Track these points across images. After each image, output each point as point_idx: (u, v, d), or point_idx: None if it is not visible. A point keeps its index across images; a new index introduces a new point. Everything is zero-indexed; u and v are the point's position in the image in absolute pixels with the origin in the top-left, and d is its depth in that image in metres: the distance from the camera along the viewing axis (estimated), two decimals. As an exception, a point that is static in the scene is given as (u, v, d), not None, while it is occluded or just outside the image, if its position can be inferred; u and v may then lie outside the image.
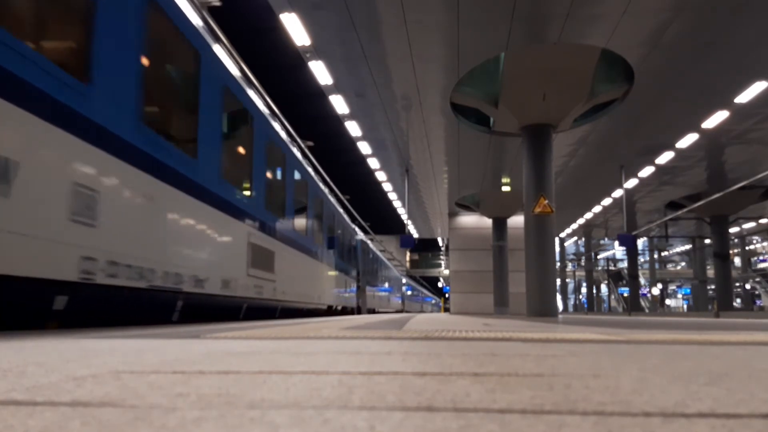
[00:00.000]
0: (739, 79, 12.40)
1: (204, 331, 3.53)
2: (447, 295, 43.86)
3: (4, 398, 1.00)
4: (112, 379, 1.23)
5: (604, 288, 63.23)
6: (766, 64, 11.68)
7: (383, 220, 37.59)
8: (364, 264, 22.68)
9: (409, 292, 53.86)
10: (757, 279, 55.23)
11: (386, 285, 32.94)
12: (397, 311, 38.56)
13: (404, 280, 49.51)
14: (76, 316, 4.43)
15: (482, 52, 11.32)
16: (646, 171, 19.84)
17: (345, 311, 17.98)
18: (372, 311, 25.13)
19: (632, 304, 36.91)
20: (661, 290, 57.25)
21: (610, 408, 0.92)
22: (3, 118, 3.29)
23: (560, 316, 15.10)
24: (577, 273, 56.03)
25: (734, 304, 30.80)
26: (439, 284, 76.46)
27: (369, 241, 26.00)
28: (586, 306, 54.64)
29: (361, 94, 13.49)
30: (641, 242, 48.17)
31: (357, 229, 22.63)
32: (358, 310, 21.03)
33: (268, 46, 19.42)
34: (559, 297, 36.24)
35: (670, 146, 17.01)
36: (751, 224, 37.80)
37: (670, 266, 67.81)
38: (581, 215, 30.17)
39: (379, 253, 30.72)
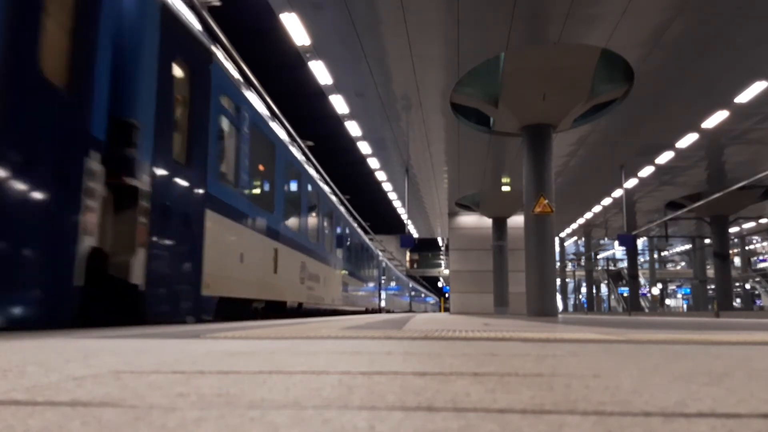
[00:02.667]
0: (739, 79, 12.40)
1: (204, 331, 3.53)
2: (447, 295, 43.73)
3: (4, 398, 1.00)
4: (112, 379, 1.23)
5: (604, 288, 63.24)
6: (766, 64, 11.68)
7: (383, 220, 37.60)
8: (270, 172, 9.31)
9: (389, 283, 34.98)
10: (757, 279, 55.21)
11: (338, 252, 16.33)
12: (371, 311, 23.89)
13: (382, 258, 30.99)
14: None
15: (482, 52, 11.32)
16: (646, 171, 19.84)
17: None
18: (296, 310, 10.95)
19: (632, 304, 36.89)
20: (661, 290, 57.26)
21: (610, 408, 0.92)
22: None
23: (560, 315, 15.10)
24: (577, 273, 56.02)
25: (734, 304, 30.79)
26: (439, 284, 76.50)
27: (289, 140, 11.15)
28: (586, 306, 54.65)
29: (361, 93, 13.50)
30: (641, 242, 48.17)
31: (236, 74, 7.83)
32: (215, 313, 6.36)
33: (268, 46, 19.41)
34: (559, 297, 36.20)
35: (670, 146, 17.01)
36: (751, 224, 37.80)
37: (670, 266, 67.81)
38: (581, 215, 30.17)
39: (324, 182, 16.20)
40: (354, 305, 19.22)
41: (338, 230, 16.53)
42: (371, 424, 0.80)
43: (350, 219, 19.97)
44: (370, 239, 28.62)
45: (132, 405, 0.93)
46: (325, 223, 14.41)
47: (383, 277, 30.66)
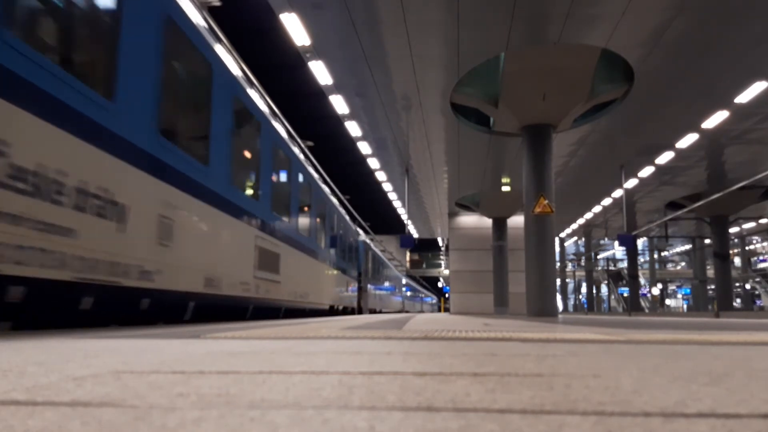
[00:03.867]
0: (739, 79, 12.40)
1: (204, 331, 3.53)
2: (447, 295, 43.66)
3: (4, 398, 1.00)
4: (112, 379, 1.23)
5: (604, 288, 63.25)
6: (766, 64, 11.69)
7: (383, 220, 37.62)
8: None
9: (376, 273, 26.91)
10: (757, 279, 55.23)
11: (280, 207, 9.80)
12: (344, 310, 17.91)
13: (365, 239, 24.38)
14: None
15: (482, 52, 11.32)
16: (646, 171, 19.84)
17: None
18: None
19: (632, 304, 36.89)
20: (661, 290, 57.28)
21: (610, 408, 0.92)
22: None
23: (560, 316, 15.10)
24: (577, 273, 56.04)
25: (734, 304, 30.79)
26: (439, 284, 76.57)
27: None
28: (586, 306, 54.67)
29: (361, 94, 13.49)
30: (641, 242, 48.17)
31: None
32: None
33: (268, 46, 19.44)
34: (559, 297, 36.17)
35: (670, 146, 17.01)
36: (751, 224, 37.80)
37: (670, 266, 67.83)
38: (581, 215, 30.17)
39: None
40: (310, 299, 12.34)
41: (269, 161, 9.24)
42: (371, 424, 0.80)
43: (307, 163, 13.11)
44: (363, 229, 23.29)
45: (132, 405, 0.93)
46: (241, 138, 7.83)
47: (365, 262, 23.09)
